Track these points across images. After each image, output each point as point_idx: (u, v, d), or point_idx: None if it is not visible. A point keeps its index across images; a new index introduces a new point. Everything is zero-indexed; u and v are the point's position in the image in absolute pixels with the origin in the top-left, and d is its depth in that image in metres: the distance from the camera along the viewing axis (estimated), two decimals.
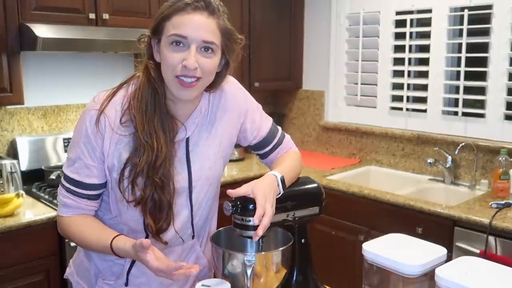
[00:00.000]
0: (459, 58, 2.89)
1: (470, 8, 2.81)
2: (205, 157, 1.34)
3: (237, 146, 1.47)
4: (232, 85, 1.41)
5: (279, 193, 1.28)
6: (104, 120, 1.23)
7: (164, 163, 1.22)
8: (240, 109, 1.41)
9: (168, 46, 1.18)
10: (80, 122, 1.26)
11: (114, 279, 1.37)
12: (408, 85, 3.19)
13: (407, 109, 3.20)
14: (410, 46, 3.13)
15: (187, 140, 1.31)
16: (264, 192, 1.21)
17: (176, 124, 1.28)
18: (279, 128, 1.51)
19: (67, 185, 1.28)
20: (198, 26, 1.16)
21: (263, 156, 1.50)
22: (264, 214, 1.18)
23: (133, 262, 1.34)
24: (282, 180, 1.28)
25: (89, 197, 1.29)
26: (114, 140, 1.23)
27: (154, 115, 1.22)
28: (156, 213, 1.25)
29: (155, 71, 1.23)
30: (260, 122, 1.45)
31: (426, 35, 3.07)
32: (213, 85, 1.30)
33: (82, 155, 1.25)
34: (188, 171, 1.32)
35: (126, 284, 1.36)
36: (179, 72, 1.17)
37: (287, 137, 1.52)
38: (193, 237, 1.39)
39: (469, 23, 2.82)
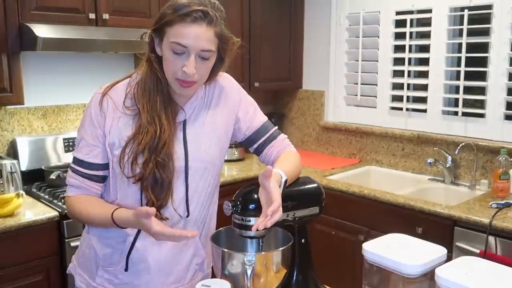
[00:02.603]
0: (459, 58, 2.89)
1: (470, 8, 2.81)
2: (201, 140, 1.40)
3: (236, 146, 1.48)
4: (228, 80, 1.50)
5: None
6: (107, 100, 1.35)
7: (167, 144, 1.31)
8: (234, 101, 1.48)
9: (169, 52, 1.27)
10: (87, 107, 1.39)
11: (114, 266, 1.40)
12: (408, 85, 3.19)
13: (407, 109, 3.20)
14: (410, 46, 3.13)
15: (184, 122, 1.38)
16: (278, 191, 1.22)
17: (176, 108, 1.37)
18: (275, 126, 1.54)
19: (73, 165, 1.39)
20: (197, 36, 1.25)
21: (257, 151, 1.52)
22: (276, 211, 1.17)
23: (132, 247, 1.38)
24: (285, 182, 1.30)
25: (91, 178, 1.37)
26: (116, 117, 1.34)
27: (157, 100, 1.33)
28: (156, 190, 1.31)
29: (157, 63, 1.33)
30: (253, 114, 1.50)
31: (426, 35, 3.07)
32: (208, 78, 1.38)
33: (86, 135, 1.36)
34: (185, 151, 1.37)
35: (126, 270, 1.39)
36: (179, 76, 1.28)
37: (283, 135, 1.54)
38: (187, 216, 1.41)
39: (469, 23, 2.82)
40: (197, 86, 1.33)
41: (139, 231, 1.38)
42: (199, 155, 1.39)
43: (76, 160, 1.38)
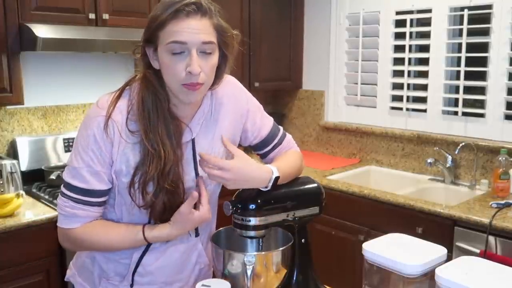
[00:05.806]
0: (459, 58, 2.89)
1: (470, 8, 2.81)
2: None
3: (238, 146, 1.47)
4: (234, 86, 1.43)
5: (266, 187, 1.28)
6: (112, 125, 1.22)
7: (173, 168, 1.23)
8: (242, 110, 1.42)
9: (168, 55, 1.18)
10: (86, 129, 1.24)
11: (119, 279, 1.36)
12: (408, 85, 3.19)
13: (407, 109, 3.20)
14: (410, 46, 3.13)
15: (193, 141, 1.32)
16: (243, 174, 1.25)
17: (181, 126, 1.28)
18: (281, 128, 1.52)
19: (76, 196, 1.25)
20: (195, 29, 1.17)
21: (263, 156, 1.50)
22: (214, 173, 1.23)
23: (138, 263, 1.34)
24: (276, 179, 1.29)
25: (99, 204, 1.28)
26: (123, 141, 1.23)
27: (157, 122, 1.23)
28: (166, 215, 1.26)
29: (155, 79, 1.24)
30: (261, 122, 1.46)
31: (426, 35, 3.07)
32: (214, 81, 1.30)
33: (92, 162, 1.23)
34: (195, 172, 1.33)
35: (131, 286, 1.36)
36: (185, 81, 1.18)
37: (288, 137, 1.53)
38: (196, 235, 1.40)
39: (469, 23, 2.82)
40: (204, 89, 1.24)
41: (146, 249, 1.33)
42: None
43: (81, 191, 1.24)
